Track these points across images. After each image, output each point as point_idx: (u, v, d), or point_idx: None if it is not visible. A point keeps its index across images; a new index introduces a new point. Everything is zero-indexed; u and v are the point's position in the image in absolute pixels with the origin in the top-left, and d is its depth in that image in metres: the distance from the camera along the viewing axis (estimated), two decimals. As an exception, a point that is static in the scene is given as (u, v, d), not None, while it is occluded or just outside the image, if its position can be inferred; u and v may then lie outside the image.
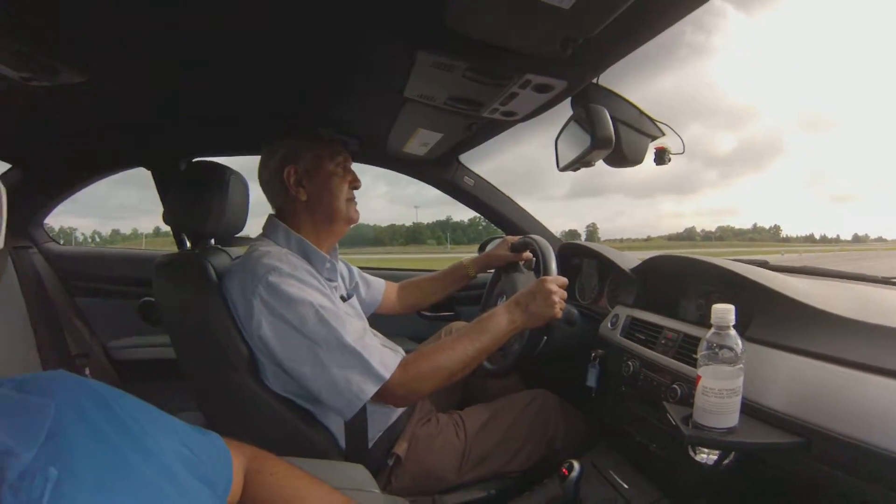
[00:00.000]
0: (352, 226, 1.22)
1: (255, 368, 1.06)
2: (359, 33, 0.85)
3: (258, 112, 1.33)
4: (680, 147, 1.03)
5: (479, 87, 0.96)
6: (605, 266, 1.58)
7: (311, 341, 0.98)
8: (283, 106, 1.26)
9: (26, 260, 1.80)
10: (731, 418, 0.78)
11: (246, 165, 1.33)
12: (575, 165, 1.08)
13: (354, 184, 1.21)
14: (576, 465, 1.05)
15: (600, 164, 1.09)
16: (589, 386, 1.34)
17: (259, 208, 1.34)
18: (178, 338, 1.18)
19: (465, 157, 1.81)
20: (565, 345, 1.38)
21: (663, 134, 1.04)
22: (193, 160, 1.36)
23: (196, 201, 1.21)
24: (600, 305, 1.60)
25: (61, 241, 2.16)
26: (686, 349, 1.05)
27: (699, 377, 0.79)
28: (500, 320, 1.10)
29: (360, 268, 1.53)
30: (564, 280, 1.17)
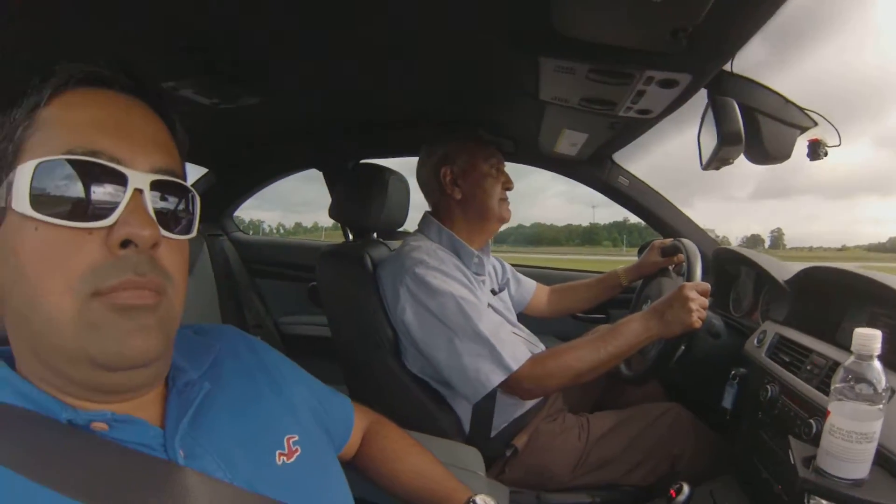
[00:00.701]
0: (515, 225, 1.36)
1: (396, 350, 1.21)
2: (488, 44, 0.97)
3: (418, 117, 1.53)
4: (836, 139, 0.92)
5: (605, 87, 1.00)
6: (762, 276, 1.43)
7: (449, 328, 1.09)
8: (440, 111, 1.44)
9: (217, 246, 2.28)
10: (860, 468, 0.66)
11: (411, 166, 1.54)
12: (714, 164, 1.05)
13: (507, 185, 1.31)
14: (685, 487, 0.99)
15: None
16: (724, 407, 1.24)
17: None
18: (334, 318, 1.37)
19: (622, 157, 1.81)
20: (707, 358, 1.29)
21: (815, 124, 0.95)
22: (359, 161, 1.60)
23: (358, 198, 1.41)
24: (753, 320, 1.45)
25: (250, 232, 2.71)
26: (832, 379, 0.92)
27: (828, 412, 0.69)
28: (635, 326, 1.09)
29: (532, 267, 1.61)
30: (706, 286, 1.11)
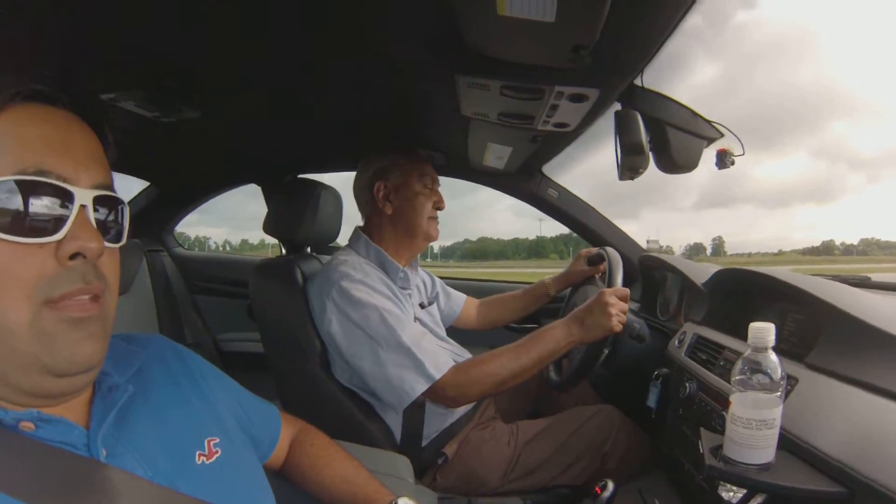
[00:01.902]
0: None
1: (325, 361, 1.21)
2: (410, 60, 0.96)
3: (353, 134, 1.52)
4: (740, 149, 0.96)
5: (519, 102, 1.01)
6: (685, 280, 1.48)
7: (373, 339, 1.10)
8: (373, 127, 1.43)
9: (157, 262, 2.20)
10: (765, 454, 0.68)
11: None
12: (626, 174, 1.06)
13: (438, 204, 1.32)
14: (610, 484, 1.00)
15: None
16: (649, 406, 1.27)
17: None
18: (266, 331, 1.36)
19: (554, 168, 1.83)
20: (633, 361, 1.34)
21: (721, 135, 0.98)
22: (295, 176, 1.59)
23: (290, 213, 1.41)
24: (678, 322, 1.49)
25: (196, 249, 2.61)
26: None
27: (730, 402, 0.70)
28: (557, 332, 1.12)
29: (475, 281, 1.60)
30: (625, 292, 1.15)
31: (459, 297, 1.63)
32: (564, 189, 1.85)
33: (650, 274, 1.70)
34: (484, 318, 1.66)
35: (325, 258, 1.47)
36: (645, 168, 1.01)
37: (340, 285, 1.14)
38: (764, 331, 0.69)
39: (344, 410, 1.19)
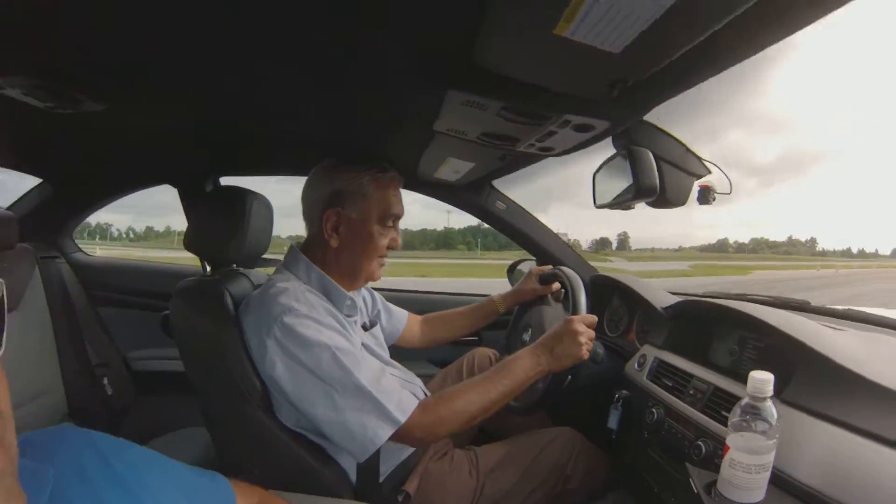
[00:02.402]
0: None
1: (267, 403, 1.04)
2: (389, 65, 0.83)
3: (288, 136, 1.33)
4: (728, 187, 0.96)
5: (514, 125, 0.94)
6: (637, 300, 1.52)
7: (326, 383, 0.96)
8: (313, 130, 1.25)
9: (52, 269, 1.82)
10: (758, 494, 0.73)
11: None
12: (613, 206, 1.03)
13: (393, 243, 1.16)
14: None
15: None
16: (610, 427, 1.29)
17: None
18: (191, 363, 1.17)
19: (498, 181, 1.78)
20: (589, 383, 1.33)
21: (709, 172, 0.99)
22: (219, 184, 1.38)
23: (216, 228, 1.20)
24: (628, 340, 1.54)
25: (97, 238, 2.24)
26: (715, 403, 0.99)
27: (727, 447, 0.74)
28: (525, 363, 1.07)
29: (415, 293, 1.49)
30: (593, 319, 1.13)
31: (401, 315, 1.51)
32: (513, 202, 1.82)
33: (597, 292, 1.72)
34: (428, 337, 1.56)
35: (255, 275, 1.29)
36: (636, 205, 0.98)
37: (283, 322, 0.98)
38: (764, 382, 0.72)
39: (293, 456, 1.04)
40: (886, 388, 0.77)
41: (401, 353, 1.39)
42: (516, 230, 1.85)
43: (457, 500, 1.14)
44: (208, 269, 1.30)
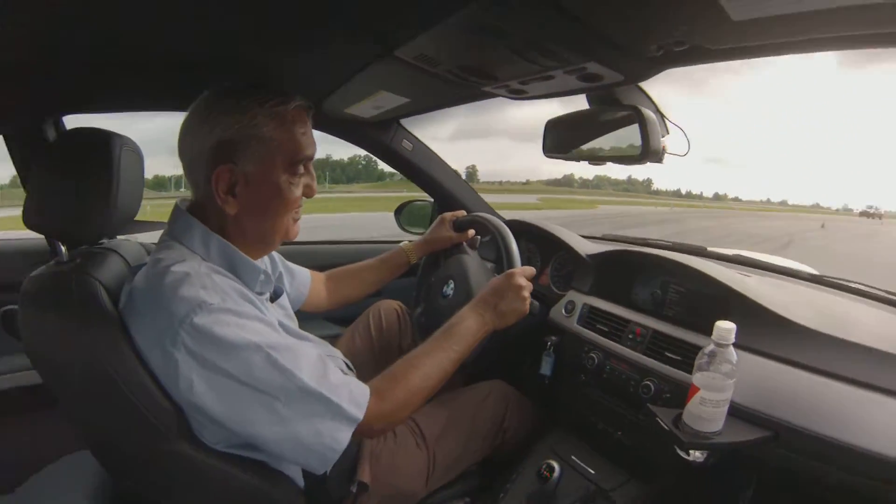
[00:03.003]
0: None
1: (187, 429, 0.79)
2: None
3: (152, 51, 0.92)
4: (685, 147, 1.00)
5: (518, 62, 0.82)
6: (551, 246, 1.55)
7: (264, 394, 0.75)
8: (195, 44, 0.89)
9: None
10: (720, 423, 0.86)
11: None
12: (596, 162, 1.01)
13: (308, 191, 0.90)
14: (556, 466, 1.07)
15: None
16: (543, 374, 1.34)
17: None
18: (63, 388, 0.83)
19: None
20: (522, 333, 1.31)
21: (668, 132, 1.02)
22: (63, 127, 1.03)
23: (70, 190, 0.83)
24: (542, 285, 1.58)
25: None
26: (656, 346, 1.10)
27: (696, 387, 0.85)
28: (471, 324, 0.99)
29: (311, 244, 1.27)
30: (532, 271, 1.09)
31: (304, 274, 1.29)
32: (420, 142, 1.68)
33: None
34: (335, 296, 1.37)
35: (127, 249, 0.95)
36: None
37: (193, 324, 0.73)
38: (728, 331, 0.83)
39: (228, 483, 0.82)
40: (802, 326, 0.95)
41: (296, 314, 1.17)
42: (421, 171, 1.72)
43: (413, 478, 1.09)
44: (62, 249, 0.91)
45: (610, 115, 1.00)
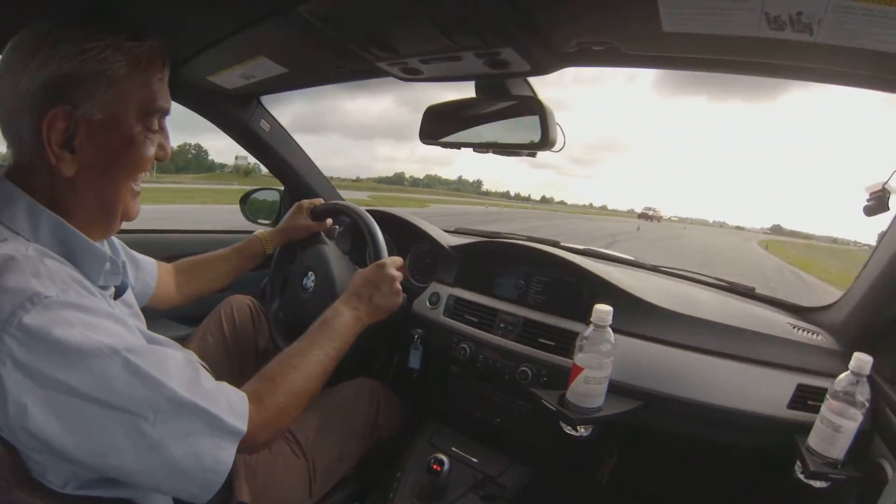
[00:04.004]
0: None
1: (22, 472, 0.59)
2: None
3: None
4: (560, 144, 1.07)
5: (427, 37, 0.81)
6: (410, 237, 1.54)
7: (127, 412, 0.59)
8: None
9: None
10: (601, 399, 0.96)
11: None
12: (480, 150, 1.04)
13: (160, 154, 0.72)
14: (445, 459, 1.07)
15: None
16: (411, 367, 1.33)
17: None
18: None
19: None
20: (386, 326, 1.26)
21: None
22: None
23: None
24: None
25: None
26: (529, 333, 1.17)
27: (579, 367, 0.94)
28: (346, 319, 0.95)
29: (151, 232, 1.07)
30: (401, 261, 1.09)
31: (150, 265, 1.08)
32: (278, 123, 1.53)
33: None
34: (186, 290, 1.18)
35: None
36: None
37: (23, 325, 0.54)
38: (607, 313, 0.94)
39: None
40: (658, 307, 1.10)
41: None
42: (276, 155, 1.58)
43: (295, 488, 1.02)
44: None
45: (499, 105, 1.04)
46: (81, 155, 0.63)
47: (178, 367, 0.63)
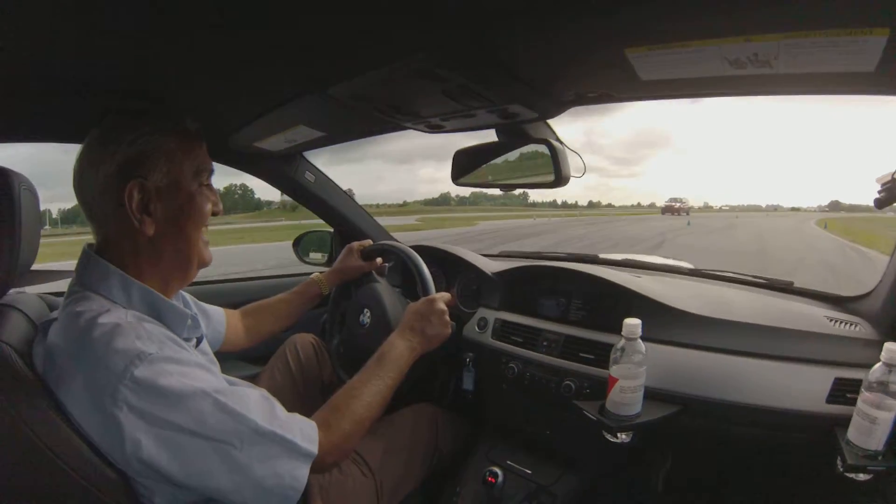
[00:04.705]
0: None
1: (134, 496, 0.73)
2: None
3: (42, 80, 0.86)
4: (580, 168, 1.15)
5: (441, 103, 0.91)
6: (455, 267, 1.64)
7: (220, 443, 0.73)
8: (105, 74, 0.85)
9: None
10: (639, 406, 1.01)
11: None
12: (506, 189, 1.14)
13: (216, 209, 0.88)
14: (499, 471, 1.15)
15: None
16: (466, 389, 1.42)
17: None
18: None
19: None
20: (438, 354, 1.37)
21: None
22: None
23: None
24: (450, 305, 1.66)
25: None
26: (570, 349, 1.23)
27: (615, 378, 0.99)
28: (401, 350, 1.05)
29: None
30: (449, 296, 1.18)
31: (218, 313, 1.24)
32: (322, 173, 1.68)
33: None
34: (254, 332, 1.32)
35: (27, 303, 0.86)
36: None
37: (135, 378, 0.68)
38: (636, 325, 0.99)
39: None
40: (691, 313, 1.14)
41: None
42: (322, 202, 1.72)
43: None
44: None
45: (517, 147, 1.12)
46: (157, 216, 0.78)
47: (256, 402, 0.77)
